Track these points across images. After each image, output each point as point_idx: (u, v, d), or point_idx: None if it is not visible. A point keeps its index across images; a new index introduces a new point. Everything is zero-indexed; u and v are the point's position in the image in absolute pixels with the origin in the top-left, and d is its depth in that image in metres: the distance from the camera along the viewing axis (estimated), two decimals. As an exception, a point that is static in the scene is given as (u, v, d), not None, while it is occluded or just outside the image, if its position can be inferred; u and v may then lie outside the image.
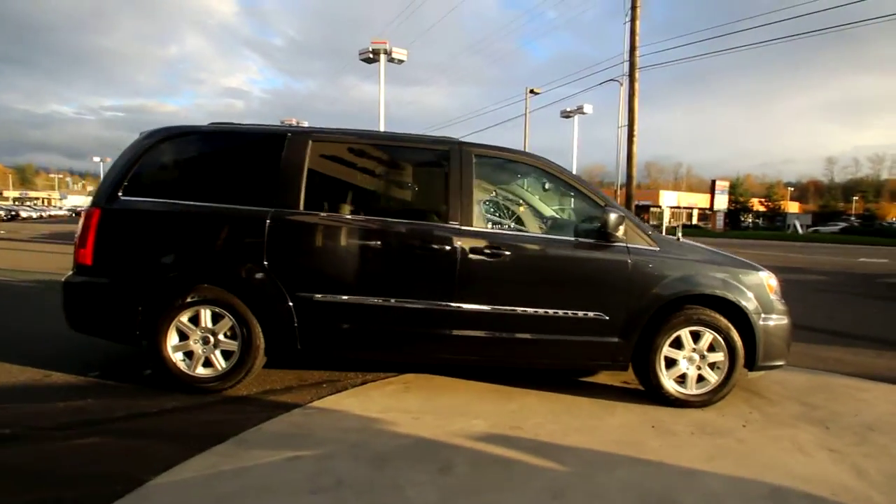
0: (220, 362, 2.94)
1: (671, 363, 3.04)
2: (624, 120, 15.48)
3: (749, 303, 3.03)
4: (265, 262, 2.86)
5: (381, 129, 16.95)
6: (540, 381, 3.34)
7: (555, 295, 2.93)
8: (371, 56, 17.42)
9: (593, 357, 3.04)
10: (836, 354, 4.28)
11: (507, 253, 2.91)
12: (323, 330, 2.91)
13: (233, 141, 3.17)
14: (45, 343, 3.89)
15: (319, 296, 2.88)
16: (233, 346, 2.93)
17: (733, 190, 44.10)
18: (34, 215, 41.99)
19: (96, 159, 54.77)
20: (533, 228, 3.47)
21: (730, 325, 3.00)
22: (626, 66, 14.42)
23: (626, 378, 3.52)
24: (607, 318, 2.94)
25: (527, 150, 3.24)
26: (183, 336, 2.92)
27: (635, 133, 13.96)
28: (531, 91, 25.40)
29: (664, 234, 3.23)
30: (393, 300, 2.89)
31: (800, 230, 40.34)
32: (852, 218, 47.85)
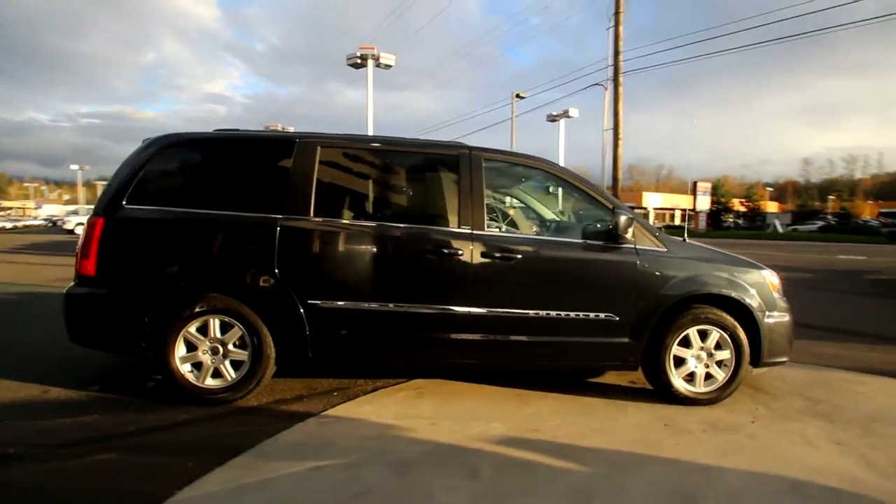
0: (229, 373, 2.88)
1: (679, 362, 3.08)
2: (608, 123, 15.75)
3: (753, 301, 3.10)
4: (276, 270, 2.82)
5: (370, 134, 16.92)
6: (550, 383, 3.35)
7: (566, 297, 2.96)
8: (359, 61, 17.38)
9: (605, 358, 3.07)
10: (832, 350, 4.40)
11: (520, 257, 2.92)
12: (336, 337, 2.88)
13: (239, 148, 3.14)
14: (38, 356, 3.77)
15: (331, 303, 2.85)
16: (242, 355, 2.88)
17: (715, 191, 45.15)
18: (7, 225, 40.67)
19: (73, 167, 53.56)
20: (539, 232, 3.50)
21: (736, 323, 3.06)
22: (611, 70, 14.65)
23: (632, 378, 3.56)
24: (618, 319, 2.97)
25: (534, 155, 3.26)
26: (191, 347, 2.86)
27: (620, 136, 14.20)
28: (517, 95, 25.66)
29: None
30: (406, 306, 2.88)
31: (780, 229, 41.39)
32: (829, 217, 49.30)
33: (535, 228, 3.74)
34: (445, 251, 2.88)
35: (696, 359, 3.09)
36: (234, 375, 2.88)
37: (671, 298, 3.00)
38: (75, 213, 36.86)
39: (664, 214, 51.85)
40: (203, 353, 2.86)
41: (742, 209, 53.73)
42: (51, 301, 6.36)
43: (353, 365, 3.40)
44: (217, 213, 2.89)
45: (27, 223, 46.92)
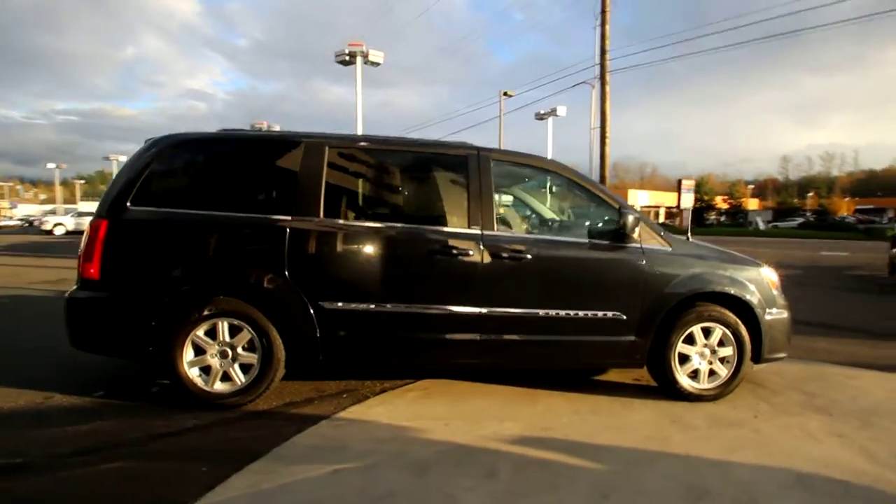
0: (238, 376, 2.86)
1: (684, 359, 3.14)
2: (595, 122, 15.89)
3: (754, 298, 3.17)
4: (286, 272, 2.80)
5: (359, 131, 16.81)
6: (555, 381, 3.39)
7: (575, 296, 3.00)
8: (347, 58, 17.23)
9: (612, 356, 3.12)
10: (824, 345, 4.53)
11: (530, 257, 2.95)
12: (347, 339, 2.87)
13: (244, 148, 3.10)
14: (33, 362, 3.69)
15: (343, 304, 2.84)
16: (252, 359, 2.86)
17: (698, 189, 45.94)
18: (-18, 226, 39.44)
19: (50, 166, 51.94)
20: (540, 231, 3.52)
21: (738, 320, 3.13)
22: (598, 69, 14.79)
23: (635, 375, 3.62)
24: (625, 317, 3.02)
25: (540, 155, 3.28)
26: (199, 351, 2.82)
27: (608, 135, 14.35)
28: (505, 93, 25.72)
29: None
30: (417, 307, 2.88)
31: (761, 226, 42.32)
32: (808, 213, 50.56)
33: (524, 226, 3.73)
34: (455, 252, 2.89)
35: (700, 356, 3.15)
36: (243, 379, 2.86)
37: (677, 296, 3.06)
38: (53, 212, 35.92)
39: (650, 212, 52.55)
40: (212, 357, 2.82)
41: (725, 206, 54.75)
42: (38, 304, 6.21)
43: (366, 367, 3.39)
44: (225, 215, 2.86)
45: (2, 223, 45.50)
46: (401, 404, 3.00)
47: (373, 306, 2.87)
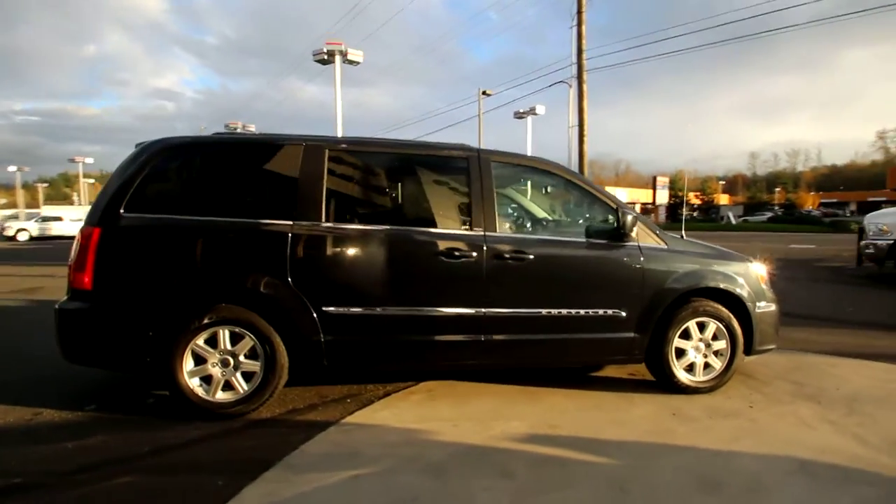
0: (241, 385, 2.80)
1: (680, 353, 3.24)
2: (573, 120, 16.14)
3: (745, 292, 3.29)
4: (288, 278, 2.76)
5: (339, 131, 16.63)
6: (554, 379, 3.44)
7: (577, 295, 3.05)
8: (326, 57, 17.02)
9: (612, 352, 3.19)
10: (804, 335, 4.71)
11: (532, 257, 2.98)
12: (352, 344, 2.85)
13: (241, 151, 3.03)
14: (15, 375, 3.52)
15: (346, 309, 2.82)
16: (254, 366, 2.81)
17: (672, 185, 47.17)
18: (-62, 233, 37.42)
19: (11, 169, 49.63)
20: (534, 231, 3.56)
21: (731, 314, 3.24)
22: (575, 68, 15.02)
23: (631, 370, 3.70)
24: (624, 314, 3.09)
25: (538, 157, 3.32)
26: (199, 360, 2.76)
27: (585, 133, 14.60)
28: (484, 93, 25.84)
29: None
30: (422, 309, 2.88)
31: (733, 220, 43.73)
32: (776, 208, 52.52)
33: (526, 227, 3.77)
34: (459, 254, 2.90)
35: (696, 350, 3.25)
36: (245, 387, 2.80)
37: (674, 293, 3.14)
38: (15, 217, 34.36)
39: (626, 208, 53.43)
40: (213, 366, 2.76)
41: (697, 202, 56.33)
42: (12, 315, 5.94)
43: (371, 371, 3.37)
44: (225, 220, 2.79)
45: (-40, 230, 43.22)
46: (406, 407, 2.99)
47: (378, 310, 2.85)
